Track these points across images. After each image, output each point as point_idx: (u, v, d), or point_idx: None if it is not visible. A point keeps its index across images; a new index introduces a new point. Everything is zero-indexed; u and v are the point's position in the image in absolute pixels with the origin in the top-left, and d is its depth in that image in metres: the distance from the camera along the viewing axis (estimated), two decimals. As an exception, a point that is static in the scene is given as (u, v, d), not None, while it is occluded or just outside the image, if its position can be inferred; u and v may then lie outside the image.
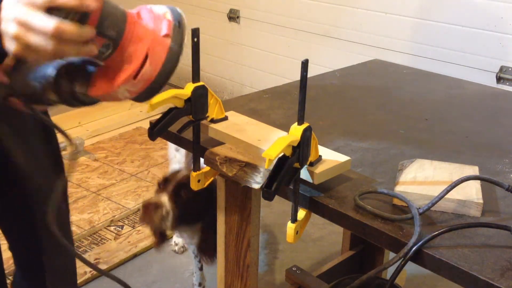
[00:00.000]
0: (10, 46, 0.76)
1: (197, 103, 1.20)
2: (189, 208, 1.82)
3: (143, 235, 2.60)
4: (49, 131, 1.28)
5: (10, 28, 0.75)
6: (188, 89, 1.18)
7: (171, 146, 2.47)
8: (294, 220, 1.08)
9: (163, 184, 1.85)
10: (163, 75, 0.81)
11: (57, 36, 0.74)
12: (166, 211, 1.78)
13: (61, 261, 1.44)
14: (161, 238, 1.99)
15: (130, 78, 0.80)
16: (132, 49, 0.79)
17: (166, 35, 0.80)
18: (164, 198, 1.79)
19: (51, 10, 0.74)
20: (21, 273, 1.43)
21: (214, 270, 2.29)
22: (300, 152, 1.01)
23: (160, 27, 0.80)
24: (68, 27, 0.74)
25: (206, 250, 1.94)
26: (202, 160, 1.26)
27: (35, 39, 0.74)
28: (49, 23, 0.73)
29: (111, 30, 0.78)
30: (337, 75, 1.90)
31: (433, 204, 1.02)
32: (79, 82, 0.82)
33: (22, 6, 0.74)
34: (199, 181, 1.28)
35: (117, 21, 0.78)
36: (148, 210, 1.77)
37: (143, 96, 0.83)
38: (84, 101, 0.84)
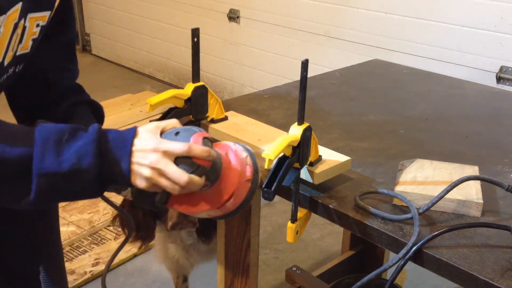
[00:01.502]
0: (140, 183, 0.88)
1: (197, 103, 1.20)
2: None
3: (143, 235, 2.60)
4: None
5: (145, 172, 0.87)
6: (188, 89, 1.18)
7: None
8: (294, 220, 1.08)
9: None
10: (240, 208, 0.98)
11: (186, 186, 0.87)
12: None
13: None
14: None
15: (214, 208, 0.96)
16: (222, 187, 0.95)
17: (249, 180, 0.96)
18: None
19: (178, 160, 0.88)
20: None
21: (213, 269, 2.28)
22: (300, 152, 1.01)
23: (245, 172, 0.96)
24: (195, 180, 0.88)
25: (204, 230, 1.70)
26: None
27: (165, 184, 0.87)
28: (183, 176, 0.86)
29: (213, 176, 0.93)
30: (337, 75, 1.90)
31: (433, 204, 1.02)
32: (159, 196, 0.93)
33: (157, 154, 0.86)
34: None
35: (217, 167, 0.94)
36: None
37: (217, 219, 1.01)
38: (160, 207, 0.96)
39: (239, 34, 4.01)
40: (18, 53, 1.04)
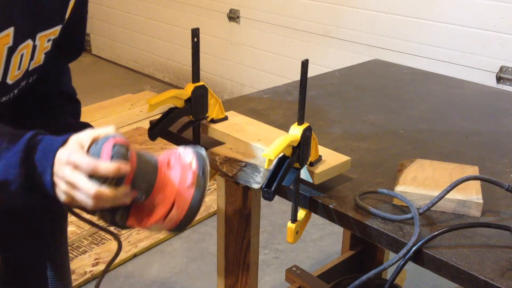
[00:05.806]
0: (60, 196, 0.87)
1: (197, 103, 1.20)
2: None
3: (143, 235, 2.60)
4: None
5: (61, 185, 0.85)
6: (188, 89, 1.18)
7: None
8: (294, 220, 1.08)
9: None
10: (188, 217, 0.93)
11: (97, 198, 0.84)
12: None
13: None
14: None
15: (159, 221, 0.92)
16: (161, 197, 0.91)
17: (191, 185, 0.92)
18: None
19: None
20: None
21: (213, 269, 2.28)
22: (300, 152, 1.01)
23: (186, 178, 0.92)
24: (106, 191, 0.84)
25: None
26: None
27: (79, 196, 0.85)
28: (91, 188, 0.83)
29: (143, 184, 0.89)
30: (337, 75, 1.90)
31: (433, 204, 1.02)
32: (119, 214, 0.92)
33: (69, 167, 0.84)
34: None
35: (149, 175, 0.89)
36: None
37: (172, 231, 0.95)
38: (123, 226, 0.95)
39: (239, 34, 4.01)
40: (30, 68, 1.05)
